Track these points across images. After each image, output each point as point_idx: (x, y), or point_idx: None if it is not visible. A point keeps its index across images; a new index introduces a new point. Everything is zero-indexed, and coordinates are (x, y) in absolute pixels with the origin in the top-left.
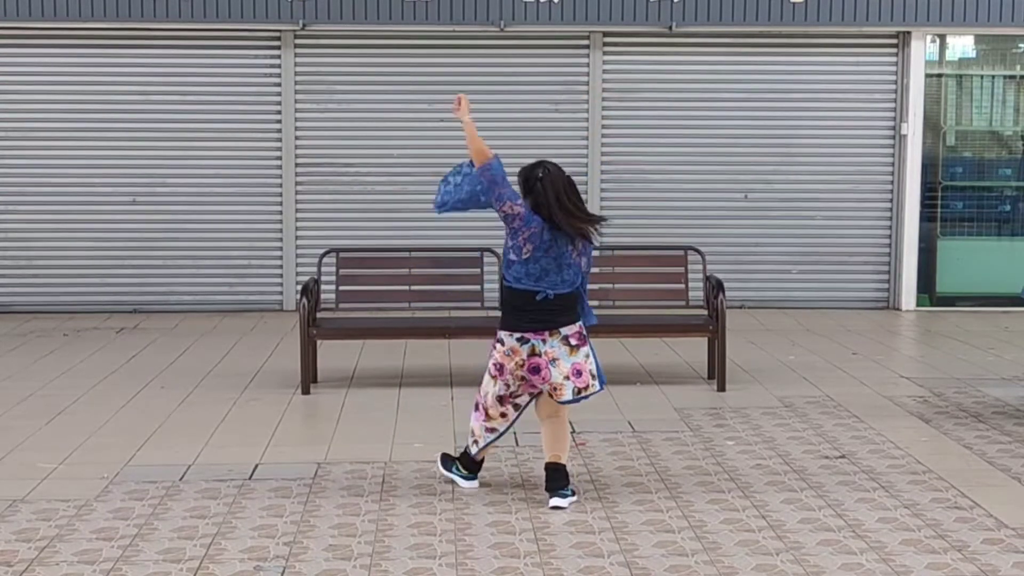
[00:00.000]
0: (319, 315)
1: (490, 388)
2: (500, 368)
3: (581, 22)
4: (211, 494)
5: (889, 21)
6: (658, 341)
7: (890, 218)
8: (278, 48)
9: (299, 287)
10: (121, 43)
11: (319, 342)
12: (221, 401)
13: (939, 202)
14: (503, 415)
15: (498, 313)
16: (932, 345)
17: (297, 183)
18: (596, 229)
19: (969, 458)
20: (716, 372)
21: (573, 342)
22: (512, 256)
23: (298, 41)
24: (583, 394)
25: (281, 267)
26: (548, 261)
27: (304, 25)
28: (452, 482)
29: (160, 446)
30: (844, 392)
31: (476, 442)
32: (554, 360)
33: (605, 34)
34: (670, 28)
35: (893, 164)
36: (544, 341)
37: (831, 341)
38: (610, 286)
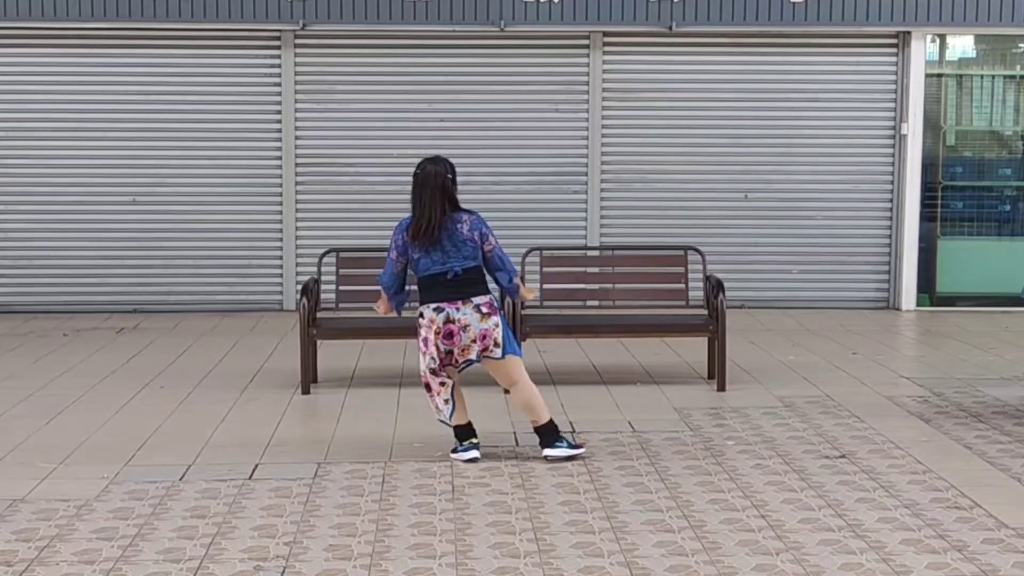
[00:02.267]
0: (319, 315)
1: (423, 363)
2: (426, 342)
3: (581, 22)
4: (211, 494)
5: (889, 21)
6: (658, 341)
7: (890, 218)
8: (278, 48)
9: (299, 287)
10: (121, 43)
11: (319, 342)
12: (221, 401)
13: (939, 202)
14: (443, 384)
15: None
16: (932, 345)
17: (297, 183)
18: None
19: (969, 458)
20: (716, 372)
21: (484, 310)
22: (415, 255)
23: (298, 41)
24: (485, 354)
25: (281, 267)
26: (446, 245)
27: (304, 25)
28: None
29: (160, 446)
30: (844, 392)
31: (440, 411)
32: (465, 327)
33: (605, 34)
34: (670, 28)
35: (893, 164)
36: (458, 309)
37: (831, 341)
38: (610, 286)
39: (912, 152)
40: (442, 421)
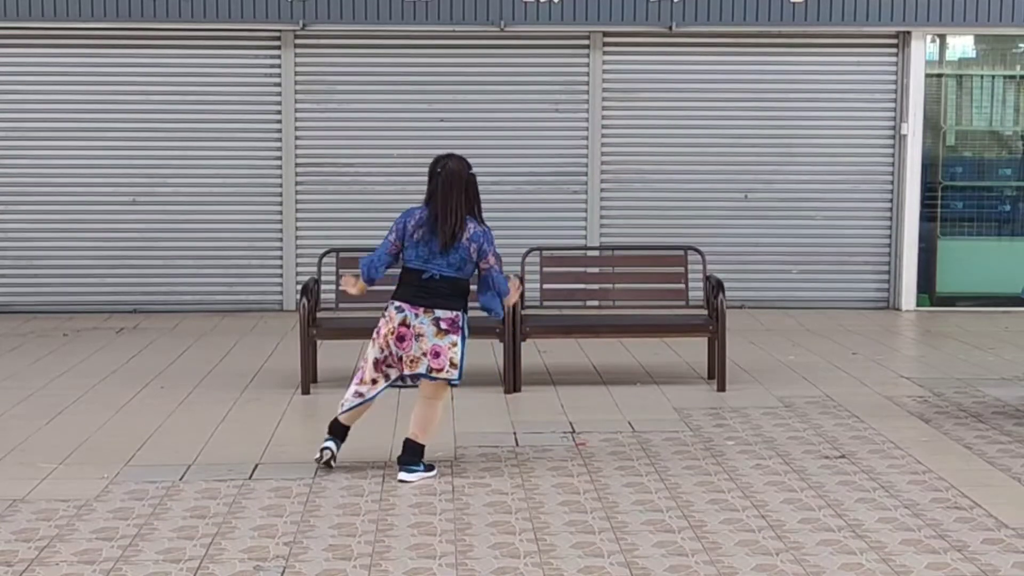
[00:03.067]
0: (319, 315)
1: (369, 351)
2: (378, 332)
3: (581, 22)
4: (211, 494)
5: (889, 21)
6: (658, 341)
7: (890, 218)
8: (278, 48)
9: (299, 287)
10: (121, 43)
11: (319, 342)
12: (221, 401)
13: (939, 202)
14: (374, 381)
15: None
16: (932, 345)
17: (297, 183)
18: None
19: (969, 458)
20: (716, 372)
21: (443, 326)
22: (406, 243)
23: (298, 41)
24: (434, 375)
25: (281, 267)
26: (436, 244)
27: (304, 25)
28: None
29: (160, 446)
30: (844, 392)
31: (343, 404)
32: (419, 335)
33: (605, 34)
34: (670, 28)
35: (893, 164)
36: (416, 316)
37: (831, 341)
38: (610, 286)
39: (912, 152)
40: (338, 415)
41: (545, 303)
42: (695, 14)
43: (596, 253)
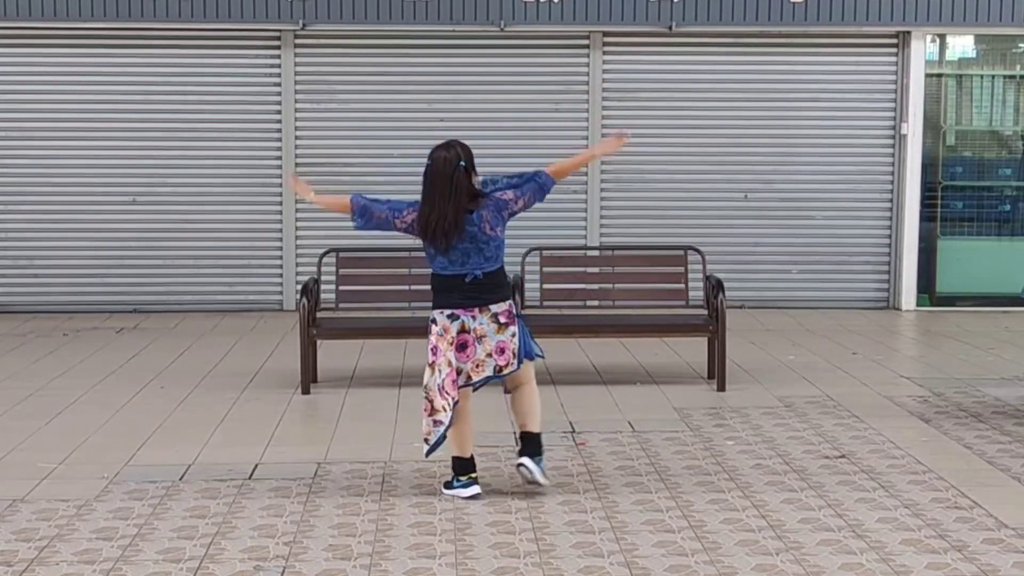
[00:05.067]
0: (319, 315)
1: (429, 379)
2: (435, 350)
3: (581, 22)
4: (211, 494)
5: (889, 21)
6: (658, 341)
7: (890, 218)
8: (278, 48)
9: (299, 287)
10: (121, 43)
11: (319, 342)
12: (221, 401)
13: (939, 202)
14: (444, 407)
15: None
16: (932, 345)
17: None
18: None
19: (969, 458)
20: (716, 372)
21: (502, 320)
22: (431, 250)
23: (298, 41)
24: (503, 372)
25: (281, 267)
26: (465, 245)
27: (304, 25)
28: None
29: (160, 446)
30: (844, 392)
31: (428, 433)
32: (481, 338)
33: (605, 34)
34: (670, 28)
35: (893, 164)
36: (474, 318)
37: (831, 341)
38: (610, 286)
39: (912, 152)
40: (426, 443)
41: (545, 303)
42: (695, 14)
43: (596, 253)
